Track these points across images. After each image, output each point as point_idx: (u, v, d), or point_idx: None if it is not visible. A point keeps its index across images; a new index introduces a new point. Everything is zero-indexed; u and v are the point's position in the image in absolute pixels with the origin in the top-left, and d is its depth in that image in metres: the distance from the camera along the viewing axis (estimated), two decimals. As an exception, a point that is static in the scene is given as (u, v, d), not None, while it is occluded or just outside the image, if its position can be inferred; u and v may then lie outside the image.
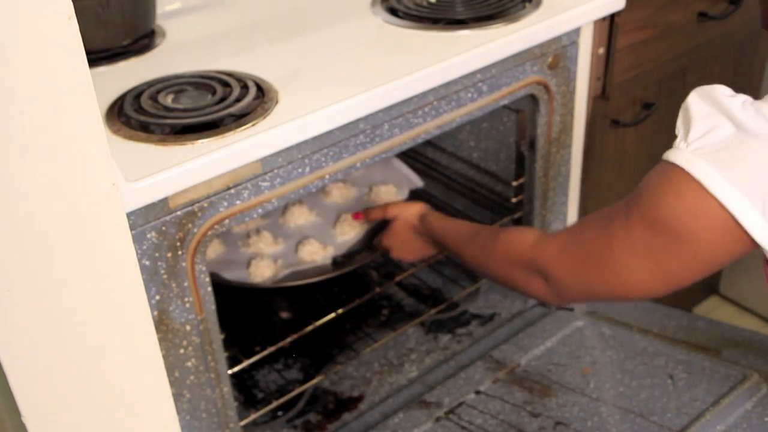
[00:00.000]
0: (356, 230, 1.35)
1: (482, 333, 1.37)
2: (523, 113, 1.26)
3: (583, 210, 1.40)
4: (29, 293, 0.73)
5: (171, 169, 0.85)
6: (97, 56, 1.10)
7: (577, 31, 1.19)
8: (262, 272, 1.26)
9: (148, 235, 0.87)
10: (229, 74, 1.02)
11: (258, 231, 1.34)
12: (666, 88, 1.42)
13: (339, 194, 1.42)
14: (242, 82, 0.99)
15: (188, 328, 0.94)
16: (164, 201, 0.87)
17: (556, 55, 1.18)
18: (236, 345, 1.30)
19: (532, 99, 1.20)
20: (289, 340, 1.18)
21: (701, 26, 1.40)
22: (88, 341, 0.79)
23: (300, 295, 1.38)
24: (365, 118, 0.99)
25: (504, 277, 1.01)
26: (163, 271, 0.90)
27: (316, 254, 1.30)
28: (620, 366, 1.26)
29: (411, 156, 1.52)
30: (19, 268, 0.71)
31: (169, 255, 0.89)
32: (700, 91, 0.78)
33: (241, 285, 1.27)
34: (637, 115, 1.39)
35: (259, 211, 0.96)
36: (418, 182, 1.47)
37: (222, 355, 1.00)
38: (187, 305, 0.93)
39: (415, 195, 1.48)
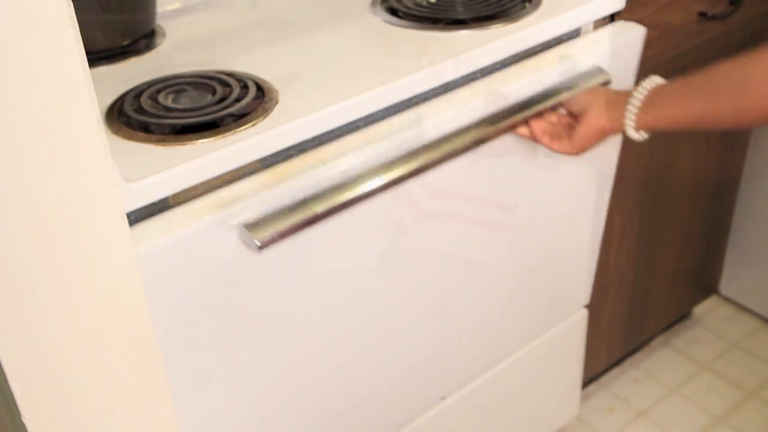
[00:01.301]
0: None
1: (482, 333, 1.37)
2: (523, 113, 1.25)
3: (583, 210, 1.39)
4: (29, 293, 0.73)
5: (171, 169, 0.85)
6: (97, 56, 1.10)
7: (577, 31, 1.19)
8: (262, 272, 1.26)
9: (148, 235, 0.87)
10: (229, 74, 1.02)
11: (258, 231, 1.33)
12: (666, 88, 1.42)
13: (339, 194, 1.42)
14: (242, 82, 0.99)
15: (188, 328, 0.94)
16: (164, 201, 0.86)
17: (556, 55, 1.18)
18: (236, 345, 1.30)
19: (532, 99, 1.20)
20: (289, 340, 1.18)
21: (701, 26, 1.40)
22: (88, 341, 0.79)
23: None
24: (365, 118, 0.99)
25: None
26: (163, 271, 0.90)
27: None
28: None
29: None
30: (19, 268, 0.71)
31: (169, 255, 0.89)
32: None
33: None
34: (637, 115, 1.39)
35: (259, 211, 0.96)
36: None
37: (222, 355, 1.00)
38: (187, 305, 0.93)
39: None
